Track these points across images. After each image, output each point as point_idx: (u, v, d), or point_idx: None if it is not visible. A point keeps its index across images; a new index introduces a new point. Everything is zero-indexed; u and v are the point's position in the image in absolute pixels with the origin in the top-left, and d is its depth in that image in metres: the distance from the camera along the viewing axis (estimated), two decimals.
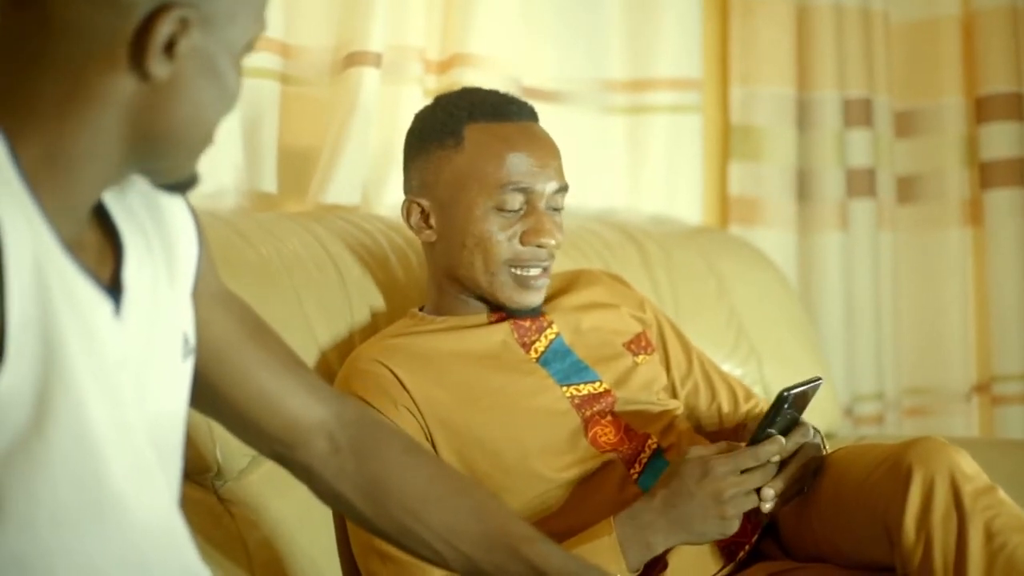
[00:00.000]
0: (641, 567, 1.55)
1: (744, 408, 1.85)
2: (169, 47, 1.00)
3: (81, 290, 1.00)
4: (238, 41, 1.06)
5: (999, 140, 2.77)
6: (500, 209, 1.68)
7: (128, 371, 1.04)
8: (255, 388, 1.24)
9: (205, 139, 1.08)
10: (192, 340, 1.15)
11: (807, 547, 1.65)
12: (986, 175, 2.79)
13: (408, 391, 1.65)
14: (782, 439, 1.54)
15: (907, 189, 2.89)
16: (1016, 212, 2.77)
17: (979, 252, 2.83)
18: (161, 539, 1.08)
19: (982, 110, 2.79)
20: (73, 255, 1.00)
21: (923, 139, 2.86)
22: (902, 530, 1.47)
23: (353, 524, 1.54)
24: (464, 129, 1.70)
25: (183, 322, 1.14)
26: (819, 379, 1.58)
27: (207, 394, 1.22)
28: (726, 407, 1.85)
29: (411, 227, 1.75)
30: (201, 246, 1.20)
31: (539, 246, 1.69)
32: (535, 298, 1.73)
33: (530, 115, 1.76)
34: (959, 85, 2.83)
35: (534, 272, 1.71)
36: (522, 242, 1.69)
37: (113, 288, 1.05)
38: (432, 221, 1.73)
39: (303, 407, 1.27)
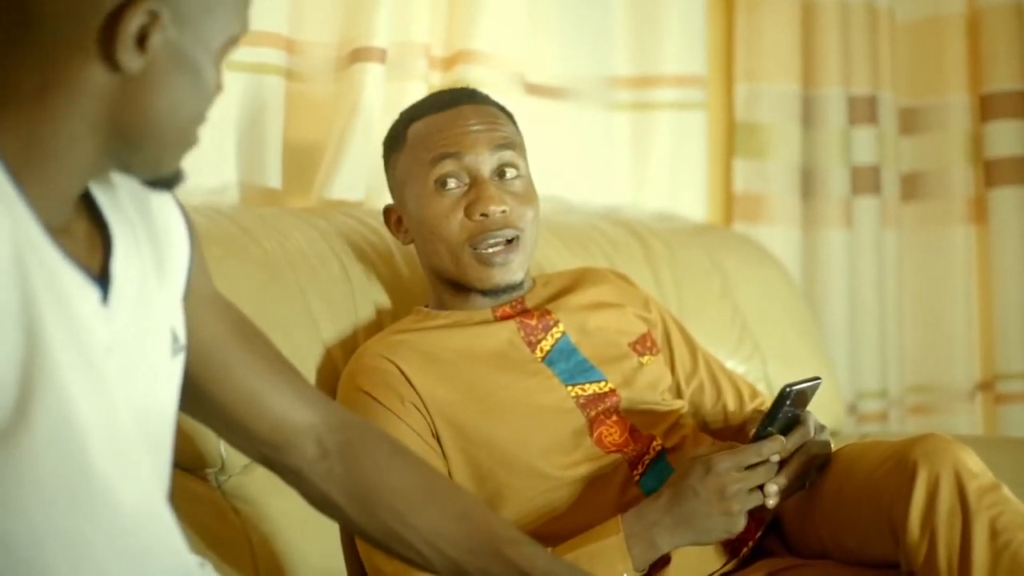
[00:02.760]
0: (647, 567, 1.55)
1: (750, 406, 1.85)
2: (141, 40, 1.01)
3: (66, 277, 1.01)
4: (216, 37, 1.07)
5: (1004, 138, 2.77)
6: (441, 187, 1.68)
7: (115, 359, 1.05)
8: (244, 391, 1.25)
9: (184, 135, 1.08)
10: (182, 338, 1.16)
11: (811, 544, 1.65)
12: (991, 173, 2.79)
13: (415, 387, 1.65)
14: (783, 438, 1.54)
15: (912, 186, 2.88)
16: (1020, 210, 2.77)
17: (983, 250, 2.83)
18: (148, 523, 1.08)
19: (987, 108, 2.79)
20: (58, 242, 1.01)
21: (928, 136, 2.86)
22: (907, 527, 1.47)
23: (340, 526, 1.53)
24: (406, 131, 1.75)
25: (171, 319, 1.14)
26: (818, 379, 1.59)
27: (196, 396, 1.23)
28: (732, 405, 1.85)
29: (396, 236, 1.80)
30: (193, 248, 1.20)
31: (484, 215, 1.67)
32: (503, 276, 1.70)
33: (467, 98, 1.75)
34: (964, 83, 2.82)
35: (494, 248, 1.68)
36: (468, 216, 1.68)
37: (102, 278, 1.06)
38: (404, 224, 1.76)
39: (291, 410, 1.27)
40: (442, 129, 1.71)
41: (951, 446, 1.50)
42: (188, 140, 1.09)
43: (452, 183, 1.68)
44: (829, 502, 1.59)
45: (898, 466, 1.50)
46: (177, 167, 1.10)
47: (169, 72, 1.03)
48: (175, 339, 1.14)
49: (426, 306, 1.79)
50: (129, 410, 1.06)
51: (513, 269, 1.70)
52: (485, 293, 1.73)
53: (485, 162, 1.69)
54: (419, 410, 1.64)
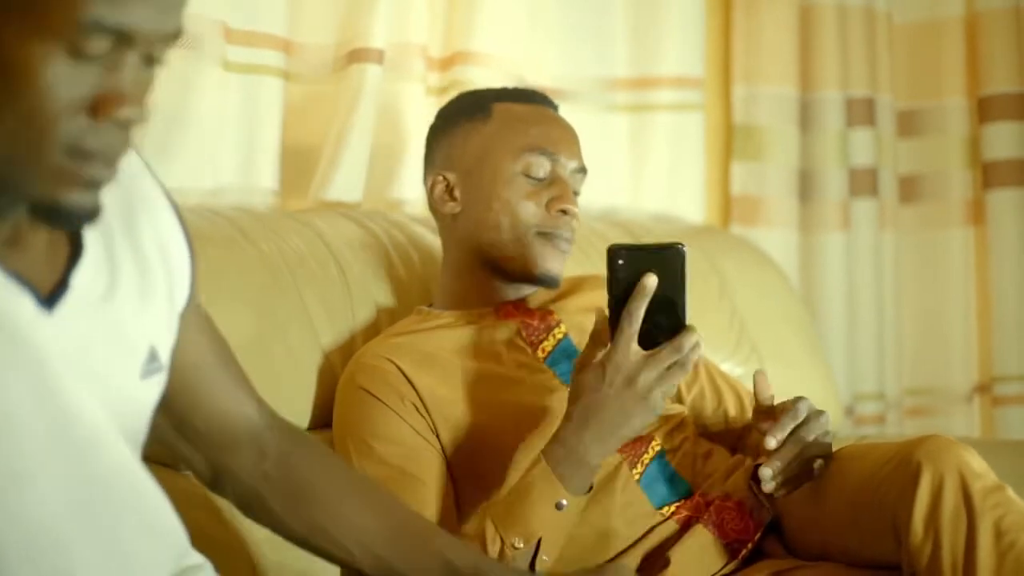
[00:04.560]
0: (588, 486, 1.53)
1: (750, 412, 1.84)
2: None
3: None
4: (60, 28, 0.91)
5: (1001, 140, 2.77)
6: (526, 174, 1.72)
7: (68, 364, 1.03)
8: (212, 406, 1.24)
9: (27, 149, 0.93)
10: (164, 358, 1.13)
11: (811, 545, 1.64)
12: (988, 175, 2.78)
13: (415, 387, 1.65)
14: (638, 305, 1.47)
15: (909, 189, 2.88)
16: (1018, 212, 2.77)
17: (981, 252, 2.82)
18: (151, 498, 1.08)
19: (985, 110, 2.79)
20: None
21: (926, 139, 2.86)
22: (910, 528, 1.46)
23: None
24: (492, 105, 1.77)
25: (151, 337, 1.11)
26: (678, 244, 1.49)
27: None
28: (732, 411, 1.85)
29: (434, 202, 1.77)
30: (193, 268, 1.18)
31: (564, 211, 1.71)
32: (559, 265, 1.74)
33: (550, 104, 1.83)
34: (962, 85, 2.82)
35: (561, 239, 1.73)
36: (548, 209, 1.72)
37: (60, 286, 1.03)
38: (456, 193, 1.75)
39: (238, 413, 1.27)
40: (539, 123, 1.76)
41: (954, 447, 1.49)
42: (44, 158, 0.94)
43: (539, 174, 1.73)
44: (831, 502, 1.58)
45: (901, 466, 1.49)
46: (54, 199, 0.96)
47: None
48: (153, 358, 1.11)
49: (429, 306, 1.79)
50: (86, 416, 1.04)
51: (563, 263, 1.75)
52: (528, 279, 1.73)
53: (569, 169, 1.75)
54: (419, 410, 1.64)
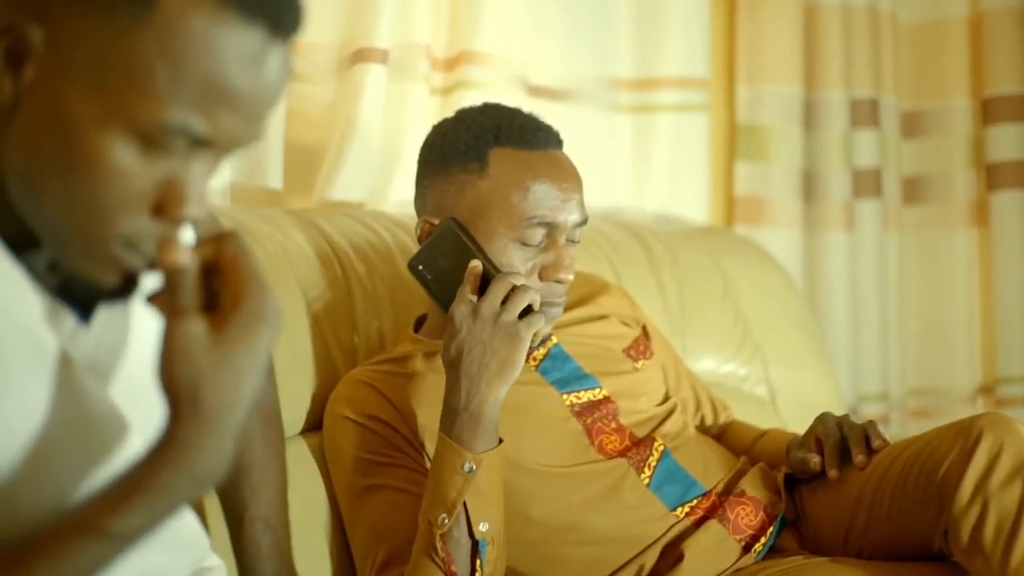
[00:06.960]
0: (495, 435, 1.52)
1: (722, 418, 1.91)
2: (13, 57, 0.89)
3: (32, 303, 0.99)
4: (137, 116, 0.88)
5: (1006, 141, 2.77)
6: (521, 242, 1.62)
7: (101, 376, 1.03)
8: None
9: (71, 217, 0.91)
10: None
11: (825, 540, 1.66)
12: (992, 176, 2.79)
13: (397, 409, 1.63)
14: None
15: (913, 190, 2.88)
16: (1022, 213, 2.77)
17: (985, 253, 2.83)
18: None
19: (989, 111, 2.79)
20: (37, 279, 0.99)
21: (930, 140, 2.86)
22: (959, 489, 1.47)
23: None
24: (489, 153, 1.63)
25: None
26: (447, 220, 1.62)
27: None
28: (709, 419, 1.89)
29: (422, 242, 1.68)
30: None
31: (558, 281, 1.63)
32: (547, 328, 1.68)
33: (556, 143, 1.69)
34: (966, 86, 2.82)
35: (550, 306, 1.65)
36: (541, 277, 1.63)
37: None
38: None
39: None
40: (539, 177, 1.62)
41: (1017, 422, 1.51)
42: (99, 247, 0.93)
43: (535, 241, 1.62)
44: (874, 476, 1.60)
45: (962, 433, 1.51)
46: (95, 279, 0.95)
47: (38, 119, 0.89)
48: None
49: (419, 324, 1.77)
50: (129, 434, 1.04)
51: (552, 323, 1.68)
52: None
53: (568, 228, 1.64)
54: (399, 430, 1.62)
